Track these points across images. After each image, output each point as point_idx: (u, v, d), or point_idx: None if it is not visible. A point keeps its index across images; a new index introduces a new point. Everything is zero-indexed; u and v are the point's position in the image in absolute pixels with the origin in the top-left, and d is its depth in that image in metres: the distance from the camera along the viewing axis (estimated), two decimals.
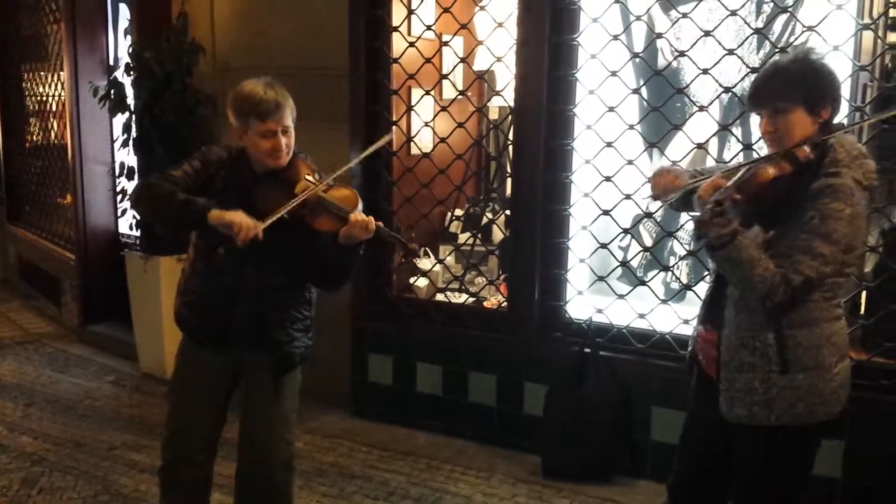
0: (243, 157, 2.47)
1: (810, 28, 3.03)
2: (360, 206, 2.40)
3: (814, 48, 2.13)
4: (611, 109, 3.45)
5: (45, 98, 6.28)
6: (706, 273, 3.12)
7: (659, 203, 2.71)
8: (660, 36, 3.44)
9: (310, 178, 2.41)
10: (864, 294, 3.31)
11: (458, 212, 4.50)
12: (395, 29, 3.90)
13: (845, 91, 3.02)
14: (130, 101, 4.59)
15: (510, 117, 3.79)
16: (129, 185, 4.76)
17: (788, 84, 1.99)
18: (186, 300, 2.54)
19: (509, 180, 3.91)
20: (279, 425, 2.55)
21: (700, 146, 3.32)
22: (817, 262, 1.89)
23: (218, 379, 2.56)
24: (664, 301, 3.44)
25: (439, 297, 4.04)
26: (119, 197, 4.87)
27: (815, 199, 1.91)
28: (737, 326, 2.06)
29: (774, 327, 1.99)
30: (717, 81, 3.23)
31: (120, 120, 4.77)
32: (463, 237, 4.45)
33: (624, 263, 3.59)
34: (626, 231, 3.51)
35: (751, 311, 2.02)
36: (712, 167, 2.39)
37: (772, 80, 2.03)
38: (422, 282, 4.17)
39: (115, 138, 5.24)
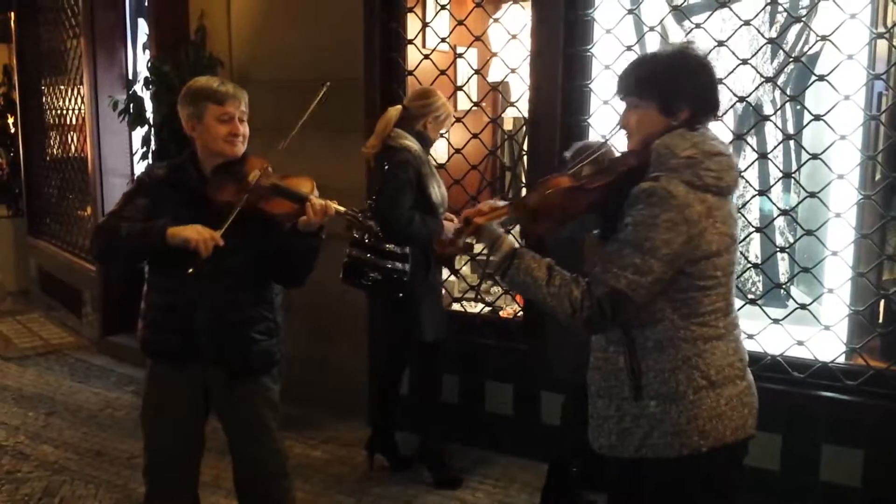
0: (188, 161, 2.43)
1: (824, 37, 3.03)
2: (316, 190, 2.37)
3: (693, 44, 1.91)
4: None
5: (64, 112, 6.38)
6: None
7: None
8: None
9: (260, 167, 2.37)
10: (882, 303, 3.30)
11: None
12: (410, 41, 3.94)
13: (860, 99, 3.04)
14: (149, 114, 4.65)
15: (524, 128, 3.81)
16: None
17: (641, 80, 1.82)
18: (148, 320, 2.48)
19: (524, 190, 3.93)
20: (264, 437, 2.51)
21: None
22: (627, 271, 1.69)
23: (190, 404, 2.48)
24: None
25: (455, 306, 4.05)
26: None
27: (630, 206, 1.74)
28: (594, 349, 1.90)
29: (625, 349, 1.80)
30: (731, 91, 3.23)
31: (139, 133, 4.84)
32: (479, 247, 4.47)
33: None
34: None
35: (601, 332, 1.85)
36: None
37: (631, 72, 1.86)
38: None
39: (134, 151, 5.32)
